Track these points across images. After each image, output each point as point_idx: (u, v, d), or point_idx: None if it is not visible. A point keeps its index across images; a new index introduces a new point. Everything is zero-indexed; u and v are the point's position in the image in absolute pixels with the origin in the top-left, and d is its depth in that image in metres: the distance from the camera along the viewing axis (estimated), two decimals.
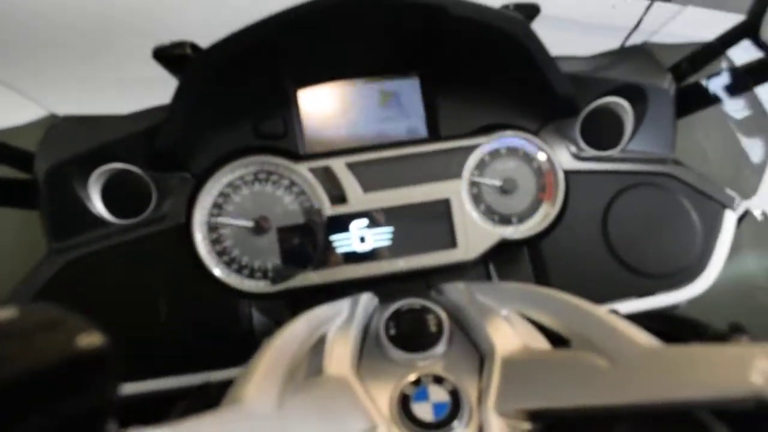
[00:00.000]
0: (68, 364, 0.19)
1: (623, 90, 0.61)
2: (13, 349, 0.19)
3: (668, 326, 0.53)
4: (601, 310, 0.36)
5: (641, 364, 0.30)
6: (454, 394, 0.36)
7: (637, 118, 0.62)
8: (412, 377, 0.37)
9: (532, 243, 0.60)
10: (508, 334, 0.39)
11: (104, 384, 0.21)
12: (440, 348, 0.40)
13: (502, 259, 0.61)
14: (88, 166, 0.56)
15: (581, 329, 0.36)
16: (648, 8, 0.69)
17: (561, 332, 0.39)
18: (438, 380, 0.37)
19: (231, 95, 0.56)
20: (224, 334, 0.56)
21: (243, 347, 0.56)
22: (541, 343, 0.40)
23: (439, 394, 0.36)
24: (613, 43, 0.71)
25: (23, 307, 0.21)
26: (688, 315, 0.53)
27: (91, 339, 0.21)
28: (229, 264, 0.57)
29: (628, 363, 0.31)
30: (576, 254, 0.59)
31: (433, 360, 0.39)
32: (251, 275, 0.57)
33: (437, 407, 0.35)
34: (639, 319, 0.36)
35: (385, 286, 0.57)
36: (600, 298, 0.58)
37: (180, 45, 0.57)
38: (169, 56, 0.57)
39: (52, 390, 0.19)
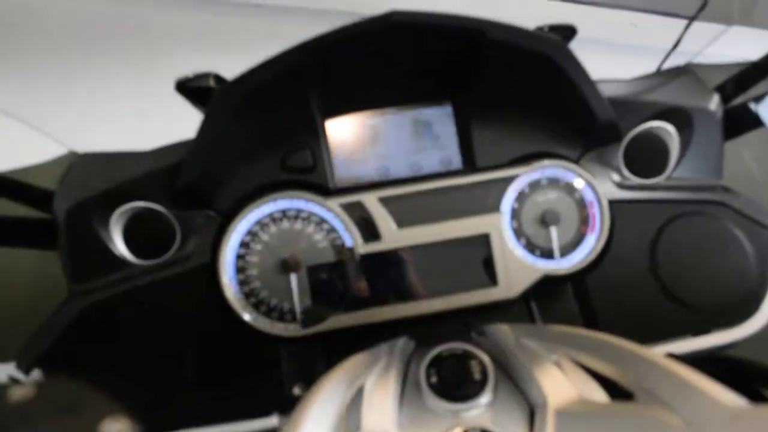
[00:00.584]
0: None
1: (668, 114, 0.58)
2: None
3: (732, 373, 0.50)
4: (670, 361, 0.33)
5: (725, 429, 0.27)
6: None
7: (683, 144, 0.58)
8: (458, 431, 0.34)
9: (577, 278, 0.56)
10: (561, 382, 0.36)
11: None
12: (485, 397, 0.37)
13: (545, 296, 0.58)
14: (109, 205, 0.54)
15: (647, 382, 0.33)
16: (687, 27, 0.66)
17: (621, 383, 0.35)
18: None
19: (257, 128, 0.54)
20: (252, 380, 0.53)
21: (272, 395, 0.53)
22: (598, 394, 0.36)
23: None
24: (640, 64, 0.68)
25: (41, 384, 0.19)
26: (758, 361, 0.49)
27: (117, 426, 0.18)
28: (257, 306, 0.54)
29: (708, 426, 0.27)
30: (623, 289, 0.56)
31: (478, 411, 0.36)
32: (281, 318, 0.54)
33: None
34: (698, 364, 0.33)
35: (421, 328, 0.53)
36: (651, 337, 0.54)
37: (203, 76, 0.55)
38: (192, 88, 0.55)
39: None
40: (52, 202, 0.54)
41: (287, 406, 0.52)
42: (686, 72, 0.60)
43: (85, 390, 0.19)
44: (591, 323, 0.55)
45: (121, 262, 0.54)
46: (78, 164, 0.56)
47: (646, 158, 0.59)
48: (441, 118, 0.59)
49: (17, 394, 0.18)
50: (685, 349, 0.55)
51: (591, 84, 0.52)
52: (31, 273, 0.64)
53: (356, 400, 0.36)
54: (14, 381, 0.56)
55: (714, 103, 0.58)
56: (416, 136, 0.59)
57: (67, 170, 0.56)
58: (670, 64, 0.64)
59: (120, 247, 0.55)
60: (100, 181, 0.54)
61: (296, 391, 0.53)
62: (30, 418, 0.17)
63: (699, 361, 0.51)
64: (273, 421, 0.52)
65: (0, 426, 0.16)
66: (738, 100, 0.60)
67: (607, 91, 0.55)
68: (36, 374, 0.53)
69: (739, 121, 0.60)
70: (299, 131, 0.56)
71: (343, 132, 0.58)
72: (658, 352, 0.35)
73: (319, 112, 0.57)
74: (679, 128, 0.58)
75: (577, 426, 0.32)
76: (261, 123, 0.54)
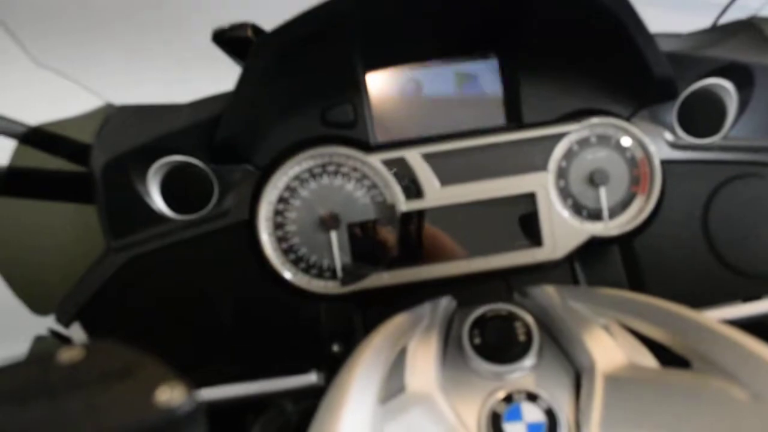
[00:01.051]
0: (146, 428, 0.15)
1: (727, 70, 0.54)
2: (80, 404, 0.15)
3: None
4: (733, 329, 0.31)
5: None
6: (550, 414, 0.32)
7: (741, 102, 0.55)
8: (502, 394, 0.34)
9: (625, 241, 0.54)
10: (610, 346, 0.35)
11: None
12: (530, 360, 0.36)
13: (590, 259, 0.56)
14: (146, 159, 0.53)
15: (706, 350, 0.31)
16: None
17: (675, 350, 0.33)
18: (531, 397, 0.33)
19: (296, 81, 0.52)
20: (290, 337, 0.53)
21: (309, 352, 0.53)
22: (648, 359, 0.35)
23: (533, 414, 0.32)
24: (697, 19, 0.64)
25: (89, 346, 0.17)
26: None
27: (173, 393, 0.17)
28: (296, 263, 0.53)
29: None
30: (673, 253, 0.54)
31: (522, 374, 0.35)
32: (320, 275, 0.53)
33: (532, 428, 0.32)
34: (749, 332, 0.31)
35: (462, 288, 0.52)
36: (700, 302, 0.53)
37: (240, 27, 0.53)
38: (229, 39, 0.53)
39: None
40: (88, 155, 0.53)
41: (325, 363, 0.52)
42: (749, 26, 0.57)
43: (137, 353, 0.18)
44: (637, 287, 0.54)
45: (159, 217, 0.53)
46: (115, 117, 0.55)
47: (702, 117, 0.56)
48: (486, 72, 0.57)
49: (65, 356, 0.17)
50: (735, 315, 0.53)
51: (649, 38, 0.49)
52: (69, 226, 0.64)
53: (399, 362, 0.35)
54: (55, 334, 0.57)
55: None
56: (460, 91, 0.57)
57: (104, 123, 0.55)
58: (730, 18, 0.60)
59: (158, 201, 0.54)
60: (137, 134, 0.53)
61: (335, 348, 0.53)
62: (79, 383, 0.16)
63: (749, 327, 0.49)
64: (312, 378, 0.51)
65: (47, 391, 0.15)
66: None
67: (662, 45, 0.52)
68: (76, 328, 0.53)
69: None
70: (340, 85, 0.54)
71: (385, 86, 0.56)
72: (709, 317, 0.33)
73: (361, 64, 0.55)
74: (739, 86, 0.55)
75: (628, 392, 0.31)
76: (300, 76, 0.52)
